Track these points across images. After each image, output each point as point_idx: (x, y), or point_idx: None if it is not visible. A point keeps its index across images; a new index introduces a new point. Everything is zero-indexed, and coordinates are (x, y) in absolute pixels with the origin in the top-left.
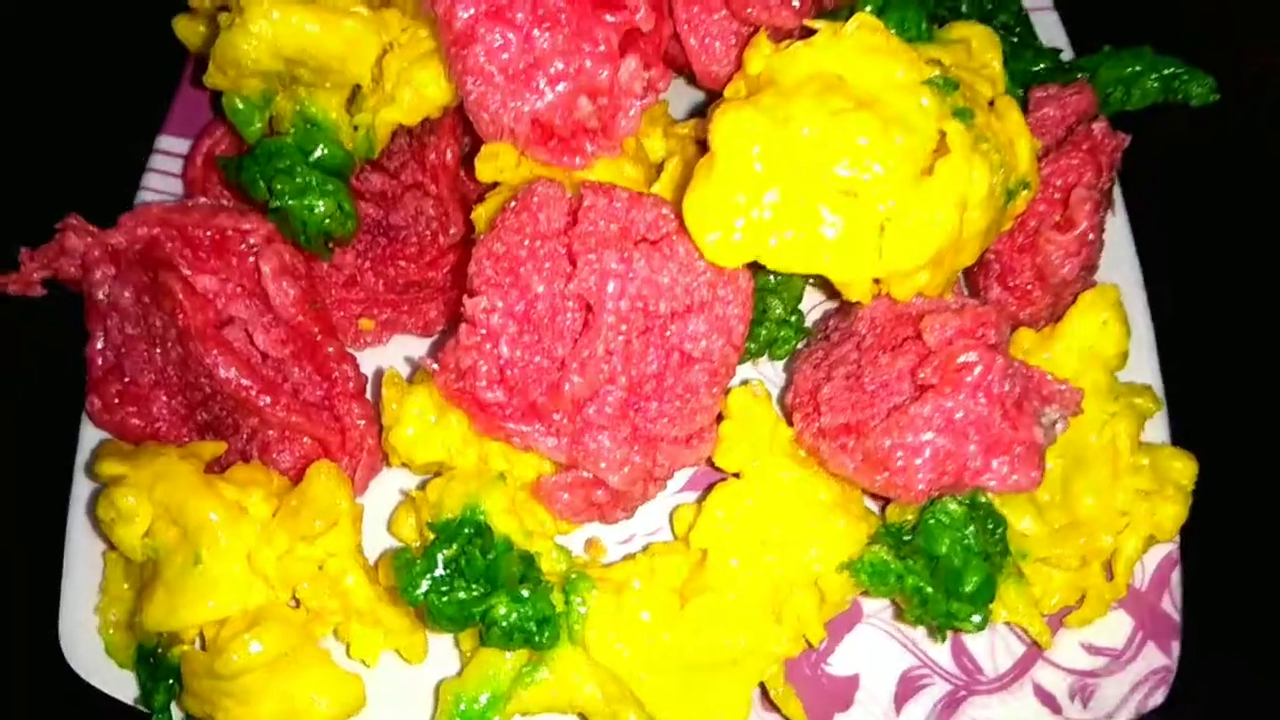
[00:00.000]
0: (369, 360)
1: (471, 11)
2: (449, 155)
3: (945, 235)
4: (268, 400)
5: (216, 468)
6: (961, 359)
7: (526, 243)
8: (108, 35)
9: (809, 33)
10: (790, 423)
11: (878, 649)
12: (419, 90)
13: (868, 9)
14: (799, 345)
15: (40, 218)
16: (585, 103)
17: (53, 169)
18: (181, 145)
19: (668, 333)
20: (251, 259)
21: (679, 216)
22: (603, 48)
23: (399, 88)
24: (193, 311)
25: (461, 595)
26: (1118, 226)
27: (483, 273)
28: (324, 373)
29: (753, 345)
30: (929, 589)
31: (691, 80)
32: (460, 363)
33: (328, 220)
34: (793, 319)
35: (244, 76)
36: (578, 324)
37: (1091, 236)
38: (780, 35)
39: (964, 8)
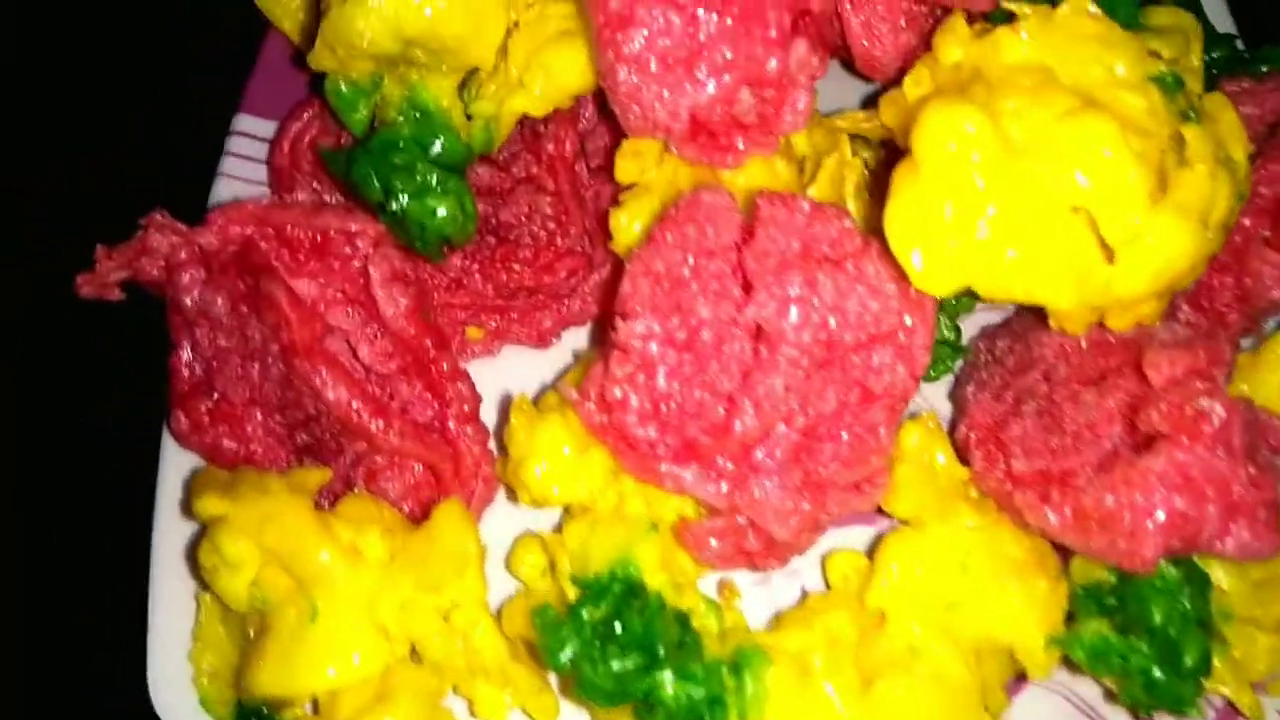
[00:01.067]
0: (478, 373)
1: None
2: (568, 147)
3: (1187, 260)
4: (380, 425)
5: (322, 497)
6: (1198, 405)
7: (691, 260)
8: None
9: (1004, 17)
10: (963, 459)
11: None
12: (553, 76)
13: None
14: (955, 365)
15: (109, 206)
16: (747, 94)
17: (123, 152)
18: (262, 127)
19: (849, 366)
20: (356, 263)
21: (864, 231)
22: (774, 31)
23: (529, 73)
24: (299, 326)
25: (616, 665)
26: None
27: (638, 293)
28: (436, 392)
29: None
30: (1157, 672)
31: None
32: (608, 393)
33: (449, 224)
34: (951, 336)
35: (355, 59)
36: (747, 354)
37: None
38: (968, 19)
39: None
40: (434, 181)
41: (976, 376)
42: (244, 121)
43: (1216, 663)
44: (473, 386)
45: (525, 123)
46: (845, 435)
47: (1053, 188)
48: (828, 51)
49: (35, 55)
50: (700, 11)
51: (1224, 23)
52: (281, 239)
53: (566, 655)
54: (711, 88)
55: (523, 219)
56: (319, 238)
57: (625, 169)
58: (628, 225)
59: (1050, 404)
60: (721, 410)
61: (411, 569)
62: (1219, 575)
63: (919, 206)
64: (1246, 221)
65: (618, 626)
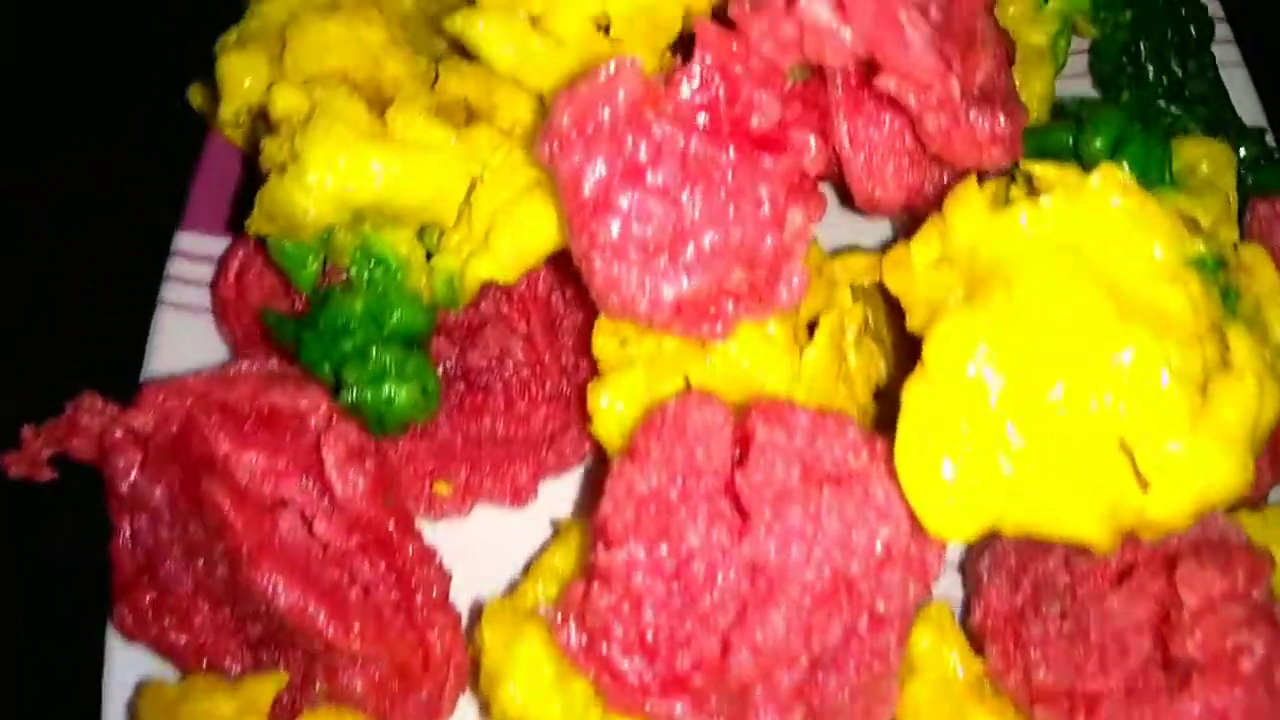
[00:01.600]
0: (447, 534)
1: (604, 172)
2: (540, 284)
3: (1231, 488)
4: (337, 630)
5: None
6: (1235, 640)
7: (680, 481)
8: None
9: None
10: (976, 645)
11: None
12: (521, 239)
13: (1097, 142)
14: None
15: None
16: (739, 273)
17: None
18: (207, 244)
19: (858, 593)
20: (309, 437)
21: (870, 440)
22: (767, 208)
23: (495, 233)
24: (246, 529)
25: None
26: None
27: (621, 516)
28: (401, 576)
29: None
30: None
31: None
32: (591, 621)
33: (408, 410)
34: None
35: (299, 230)
36: (744, 586)
37: None
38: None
39: (1150, 74)
40: (391, 364)
41: (991, 552)
42: (186, 240)
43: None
44: (441, 568)
45: None
46: (855, 665)
47: (1084, 415)
48: (823, 202)
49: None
50: (684, 194)
51: (1251, 106)
52: (225, 412)
53: None
54: (698, 277)
55: (493, 362)
56: (267, 411)
57: (604, 345)
58: (609, 408)
59: (1073, 603)
60: (716, 646)
61: None
62: None
63: (934, 442)
64: None
65: None
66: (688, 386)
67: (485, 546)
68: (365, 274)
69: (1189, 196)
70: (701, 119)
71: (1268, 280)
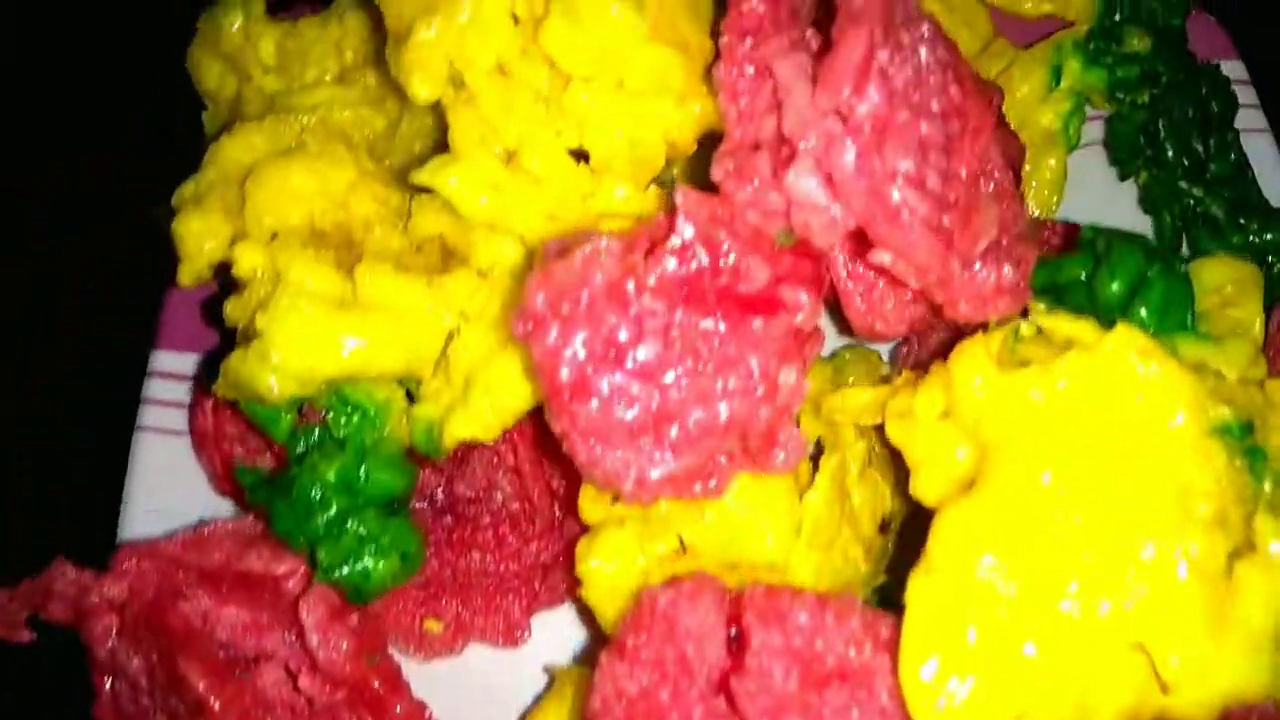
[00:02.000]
0: (439, 675)
1: (581, 354)
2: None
3: (1258, 689)
4: None
5: None
6: None
7: (671, 682)
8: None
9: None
10: None
11: None
12: (497, 398)
13: (1114, 285)
14: None
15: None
16: (731, 443)
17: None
18: (183, 362)
19: None
20: (287, 596)
21: (874, 626)
22: (759, 385)
23: (473, 391)
24: (224, 709)
25: None
26: None
27: (610, 714)
28: None
29: None
30: None
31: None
32: None
33: (388, 579)
34: None
35: (264, 401)
36: None
37: None
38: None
39: (1169, 154)
40: (368, 535)
41: None
42: (162, 359)
43: None
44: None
45: None
46: None
47: (1099, 618)
48: (820, 338)
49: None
50: (668, 373)
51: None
52: (202, 575)
53: None
54: (686, 457)
55: (480, 494)
56: (243, 575)
57: (591, 511)
58: (599, 569)
59: None
60: None
61: None
62: None
63: (940, 657)
64: None
65: None
66: (682, 546)
67: (479, 688)
68: (342, 420)
69: (1213, 345)
70: (685, 289)
71: None
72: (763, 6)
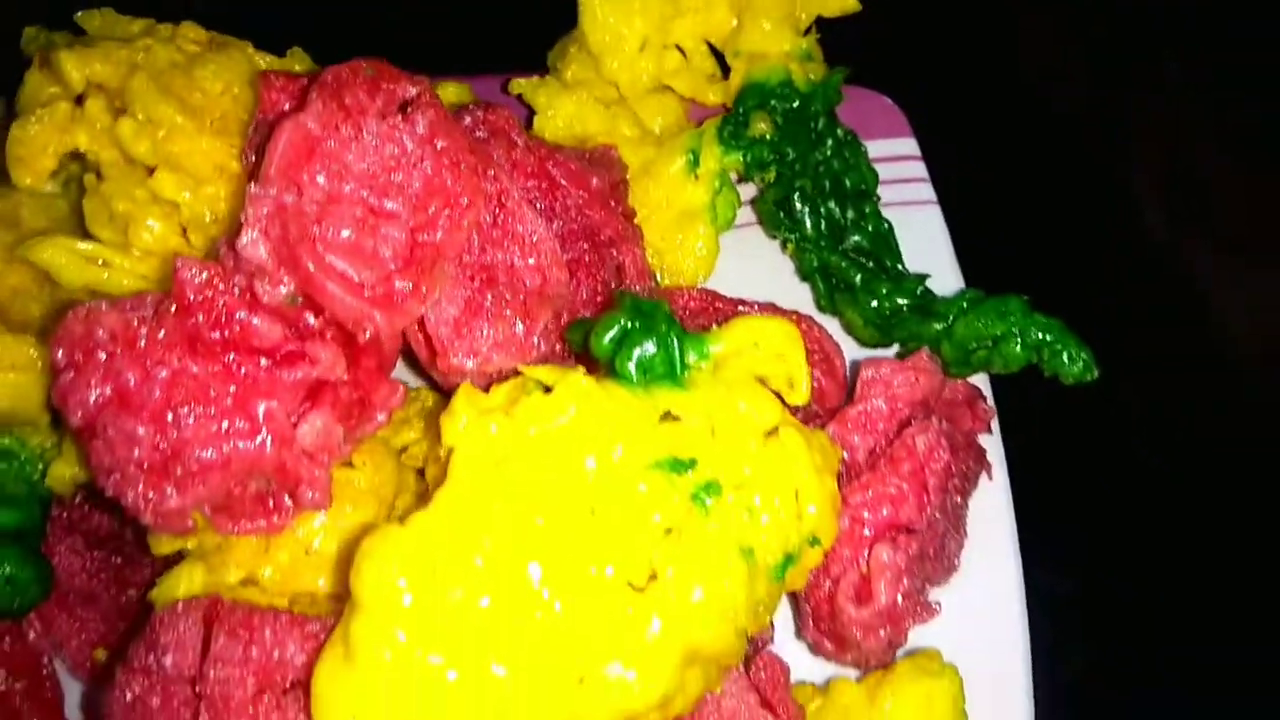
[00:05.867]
0: None
1: (92, 399)
2: None
3: (657, 692)
4: None
5: None
6: None
7: (156, 691)
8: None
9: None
10: None
11: None
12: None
13: (604, 341)
14: None
15: None
16: (260, 480)
17: None
18: None
19: None
20: None
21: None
22: (264, 423)
23: (67, 439)
24: None
25: None
26: (995, 493)
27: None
28: None
29: None
30: None
31: None
32: None
33: (4, 598)
34: None
35: None
36: None
37: (902, 604)
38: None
39: (808, 228)
40: None
41: None
42: None
43: None
44: None
45: None
46: None
47: (499, 627)
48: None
49: None
50: (175, 418)
51: (938, 241)
52: None
53: None
54: (198, 489)
55: (142, 536)
56: None
57: (161, 545)
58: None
59: None
60: None
61: None
62: None
63: (346, 667)
64: (846, 553)
65: None
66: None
67: None
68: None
69: (682, 391)
70: (195, 344)
71: (800, 464)
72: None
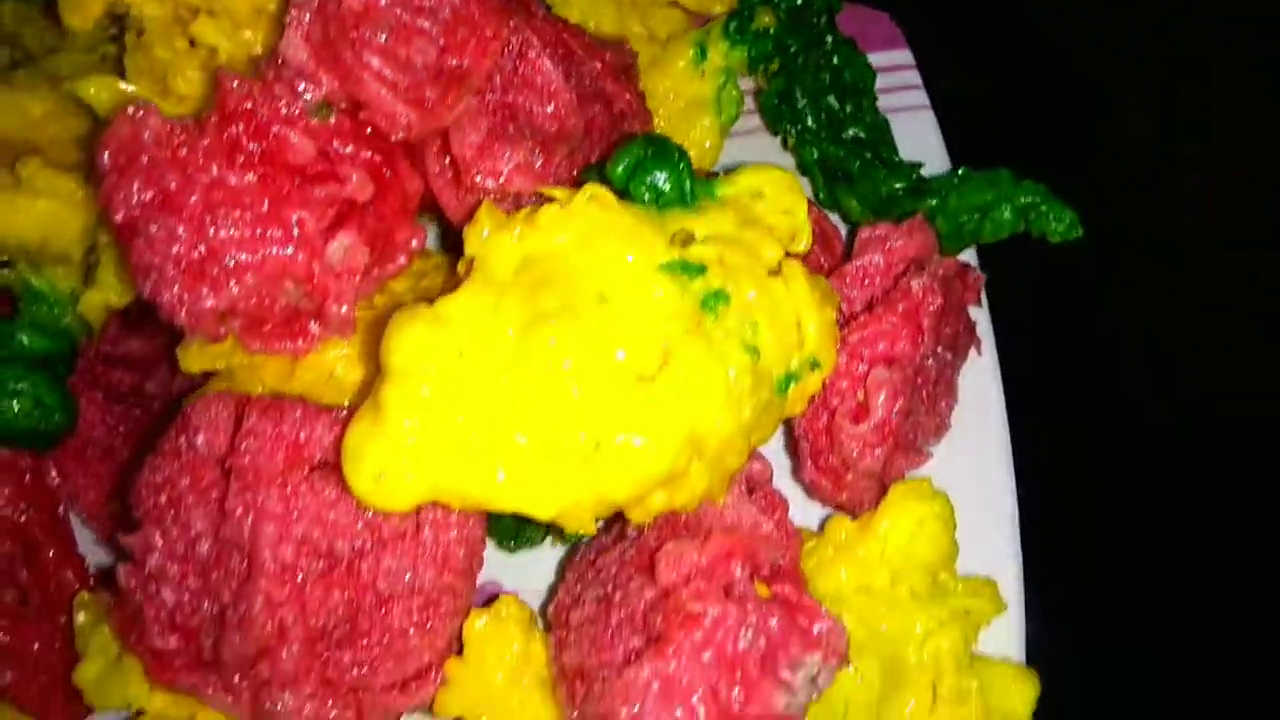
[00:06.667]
0: None
1: (135, 199)
2: None
3: (664, 462)
4: None
5: None
6: (689, 609)
7: (186, 471)
8: None
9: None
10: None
11: None
12: (122, 271)
13: (618, 169)
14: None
15: None
16: (291, 287)
17: None
18: None
19: (356, 572)
20: None
21: None
22: (297, 231)
23: (103, 268)
24: None
25: None
26: (984, 369)
27: (141, 504)
28: (42, 579)
29: (537, 531)
30: None
31: None
32: (128, 604)
33: (24, 421)
34: None
35: None
36: (246, 567)
37: (896, 423)
38: (528, 200)
39: (809, 120)
40: (6, 382)
41: (583, 550)
42: None
43: None
44: (83, 573)
45: None
46: (366, 641)
47: (521, 396)
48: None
49: None
50: (208, 218)
51: (933, 143)
52: None
53: None
54: (232, 290)
55: (163, 389)
56: None
57: (189, 360)
58: None
59: (611, 589)
60: (219, 622)
61: None
62: None
63: (376, 425)
64: (844, 384)
65: None
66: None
67: None
68: (30, 309)
69: (694, 213)
70: (235, 154)
71: (799, 291)
72: None
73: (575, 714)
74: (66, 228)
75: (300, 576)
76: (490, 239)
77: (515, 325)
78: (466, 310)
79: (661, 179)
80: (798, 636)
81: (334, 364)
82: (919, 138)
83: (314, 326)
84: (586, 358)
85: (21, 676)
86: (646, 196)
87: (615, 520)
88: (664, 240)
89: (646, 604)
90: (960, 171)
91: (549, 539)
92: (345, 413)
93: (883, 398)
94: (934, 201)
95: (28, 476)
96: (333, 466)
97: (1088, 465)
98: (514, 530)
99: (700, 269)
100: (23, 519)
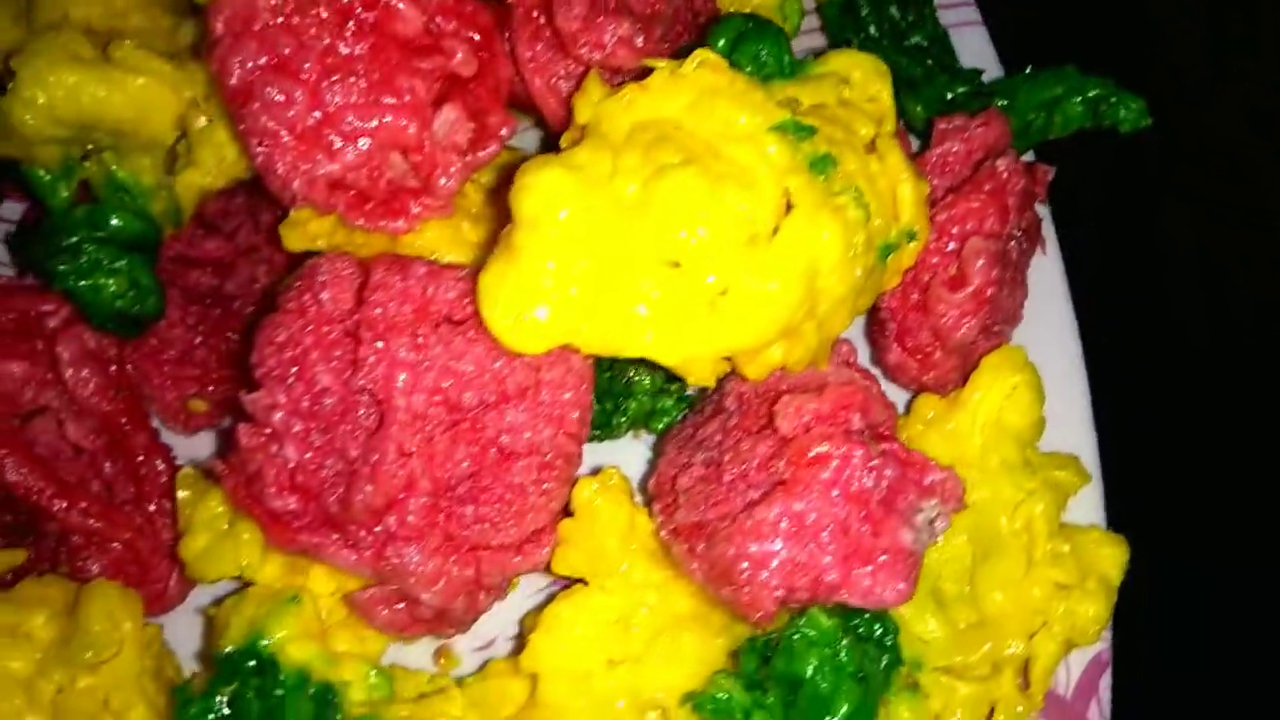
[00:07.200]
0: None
1: (250, 64)
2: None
3: (787, 309)
4: (63, 505)
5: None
6: (814, 451)
7: (311, 328)
8: None
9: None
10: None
11: None
12: (219, 150)
13: (720, 42)
14: (681, 416)
15: None
16: (399, 160)
17: None
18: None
19: (481, 426)
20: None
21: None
22: (408, 98)
23: (200, 148)
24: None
25: None
26: (1048, 267)
27: (264, 363)
28: (131, 468)
29: (623, 420)
30: None
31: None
32: (247, 466)
33: (119, 300)
34: (673, 387)
35: (32, 146)
36: (374, 421)
37: (991, 292)
38: (626, 77)
39: (872, 29)
40: (103, 260)
41: (678, 427)
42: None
43: (907, 714)
44: (170, 460)
45: (251, 191)
46: (488, 497)
47: (647, 244)
48: (510, 112)
49: None
50: (324, 84)
51: (987, 56)
52: None
53: None
54: (348, 156)
55: (244, 289)
56: (17, 318)
57: (291, 238)
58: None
59: (719, 453)
60: (350, 478)
61: (62, 652)
62: (927, 624)
63: (511, 269)
64: (935, 260)
65: (226, 708)
66: None
67: None
68: (112, 200)
69: (802, 83)
70: (349, 22)
71: (895, 164)
72: None
73: (695, 565)
74: (161, 109)
75: (429, 427)
76: (603, 104)
77: (636, 180)
78: (590, 164)
79: (764, 51)
80: (915, 484)
81: (433, 246)
82: (974, 51)
83: (414, 206)
84: (712, 205)
85: (112, 564)
86: (749, 69)
87: (707, 401)
88: (774, 103)
89: (763, 457)
90: (1027, 70)
91: (631, 432)
92: (467, 271)
93: (980, 263)
94: (1002, 102)
95: (113, 368)
96: (457, 321)
97: (1136, 382)
98: (606, 416)
99: (811, 130)
100: (109, 409)
